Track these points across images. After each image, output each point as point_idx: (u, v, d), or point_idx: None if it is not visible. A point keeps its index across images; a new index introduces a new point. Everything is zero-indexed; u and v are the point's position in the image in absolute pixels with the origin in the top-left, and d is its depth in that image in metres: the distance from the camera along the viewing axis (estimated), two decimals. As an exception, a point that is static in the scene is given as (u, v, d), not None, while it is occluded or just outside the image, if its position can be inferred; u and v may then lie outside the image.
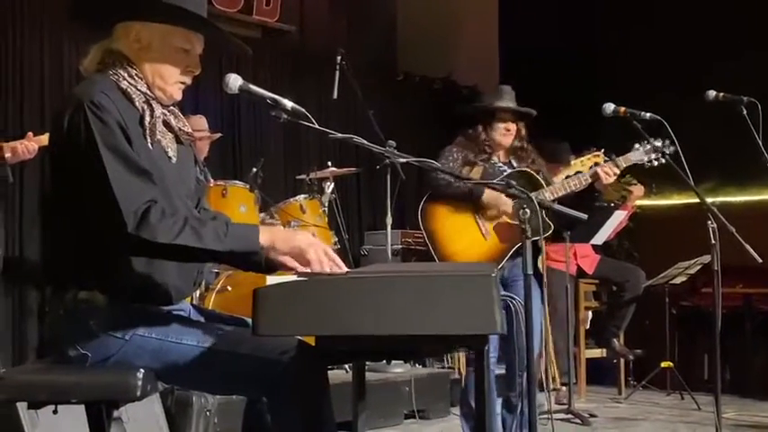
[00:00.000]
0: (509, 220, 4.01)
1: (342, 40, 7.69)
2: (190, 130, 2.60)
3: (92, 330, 2.31)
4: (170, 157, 2.45)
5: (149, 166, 2.32)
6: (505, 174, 4.06)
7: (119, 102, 2.34)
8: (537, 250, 4.06)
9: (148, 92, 2.43)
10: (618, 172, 4.15)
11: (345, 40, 7.78)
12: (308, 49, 8.04)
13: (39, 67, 6.24)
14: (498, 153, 4.21)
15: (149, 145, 2.37)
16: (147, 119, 2.38)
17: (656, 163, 4.15)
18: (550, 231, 4.01)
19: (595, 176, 4.10)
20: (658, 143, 4.12)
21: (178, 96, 2.51)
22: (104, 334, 2.31)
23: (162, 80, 2.45)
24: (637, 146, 4.16)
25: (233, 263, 2.40)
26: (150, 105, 2.41)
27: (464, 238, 4.00)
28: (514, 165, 4.20)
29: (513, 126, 4.17)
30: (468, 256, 3.87)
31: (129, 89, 2.38)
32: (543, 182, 4.10)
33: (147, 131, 2.38)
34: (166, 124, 2.46)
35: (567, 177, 4.15)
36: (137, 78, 2.41)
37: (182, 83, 2.49)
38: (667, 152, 4.10)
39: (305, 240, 2.32)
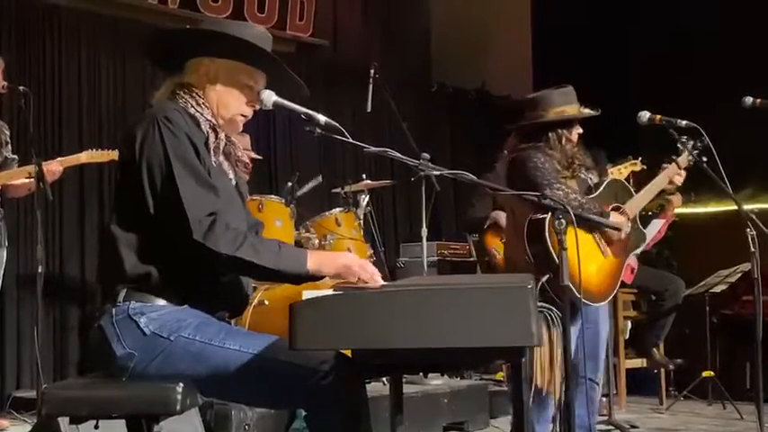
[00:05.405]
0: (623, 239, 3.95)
1: (375, 53, 7.73)
2: (247, 161, 2.74)
3: (140, 328, 2.40)
4: (230, 179, 2.62)
5: (214, 182, 2.46)
6: (604, 186, 3.98)
7: (188, 122, 2.51)
8: None
9: (213, 119, 2.58)
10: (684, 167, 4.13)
11: (378, 52, 7.81)
12: (341, 63, 8.07)
13: (76, 89, 6.33)
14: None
15: (213, 163, 2.52)
16: (212, 140, 2.54)
17: (704, 158, 4.09)
18: (644, 245, 3.94)
19: (669, 182, 4.10)
20: (692, 142, 4.10)
21: (239, 128, 2.67)
22: (151, 333, 2.40)
23: (225, 110, 2.62)
24: (680, 147, 4.13)
25: (279, 280, 2.55)
26: (215, 131, 2.57)
27: (586, 256, 3.74)
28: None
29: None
30: (587, 274, 3.68)
31: (196, 114, 2.55)
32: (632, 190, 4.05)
33: (212, 151, 2.53)
34: (226, 154, 2.61)
35: (645, 187, 4.09)
36: (203, 106, 2.58)
37: (243, 115, 2.65)
38: (701, 145, 4.06)
39: (347, 260, 2.46)
